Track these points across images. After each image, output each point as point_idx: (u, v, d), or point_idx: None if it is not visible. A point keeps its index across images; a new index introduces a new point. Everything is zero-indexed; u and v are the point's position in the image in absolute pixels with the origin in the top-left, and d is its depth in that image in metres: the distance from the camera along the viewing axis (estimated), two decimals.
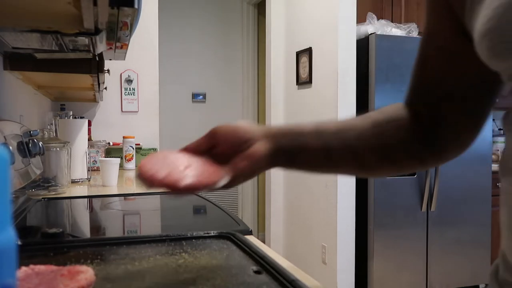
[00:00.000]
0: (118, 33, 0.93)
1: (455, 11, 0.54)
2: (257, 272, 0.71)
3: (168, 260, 0.76)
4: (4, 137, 1.04)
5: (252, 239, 0.94)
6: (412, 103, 0.66)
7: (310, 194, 3.13)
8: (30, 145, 1.18)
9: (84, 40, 0.95)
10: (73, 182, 1.97)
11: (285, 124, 0.71)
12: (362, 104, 2.87)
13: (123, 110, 3.05)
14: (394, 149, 0.64)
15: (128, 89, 3.05)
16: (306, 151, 0.64)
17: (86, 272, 0.64)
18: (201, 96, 4.45)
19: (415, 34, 3.02)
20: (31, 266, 0.67)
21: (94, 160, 2.46)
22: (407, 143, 0.64)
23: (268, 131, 0.65)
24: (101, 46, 1.01)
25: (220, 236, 0.91)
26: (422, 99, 0.64)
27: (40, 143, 1.23)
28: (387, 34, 2.89)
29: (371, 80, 2.81)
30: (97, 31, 0.87)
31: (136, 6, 0.73)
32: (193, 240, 0.89)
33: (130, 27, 0.87)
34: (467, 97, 0.60)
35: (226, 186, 0.61)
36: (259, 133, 0.64)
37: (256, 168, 0.63)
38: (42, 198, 1.50)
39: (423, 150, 0.65)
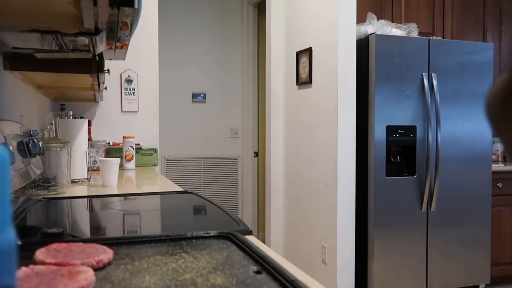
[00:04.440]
0: (118, 33, 0.93)
1: None
2: (257, 272, 0.71)
3: (168, 260, 0.76)
4: (4, 137, 1.04)
5: (252, 239, 0.94)
6: None
7: (310, 194, 3.13)
8: (30, 145, 1.18)
9: (84, 40, 0.95)
10: (73, 182, 1.97)
11: None
12: (362, 104, 2.87)
13: (123, 110, 3.05)
14: None
15: (128, 89, 3.05)
16: None
17: (86, 272, 0.64)
18: (201, 96, 4.45)
19: (415, 34, 3.02)
20: (31, 266, 0.67)
21: (94, 160, 2.46)
22: None
23: None
24: (101, 46, 1.01)
25: (220, 236, 0.91)
26: None
27: (40, 143, 1.23)
28: (387, 34, 2.89)
29: (371, 80, 2.81)
30: (97, 31, 0.87)
31: (136, 6, 0.73)
32: (193, 240, 0.89)
33: (130, 27, 0.87)
34: None
35: None
36: None
37: None
38: (42, 198, 1.50)
39: None
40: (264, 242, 4.16)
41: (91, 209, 1.45)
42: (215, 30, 4.47)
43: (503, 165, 3.57)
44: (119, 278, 0.68)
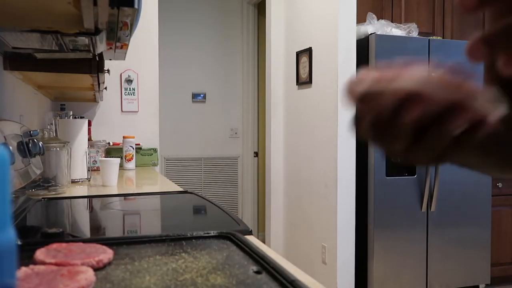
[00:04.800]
0: (118, 33, 0.93)
1: None
2: (257, 272, 0.71)
3: (168, 260, 0.76)
4: (4, 137, 1.04)
5: (252, 239, 0.94)
6: None
7: (310, 194, 3.13)
8: (30, 145, 1.18)
9: (84, 40, 0.95)
10: (73, 182, 1.97)
11: None
12: None
13: (123, 110, 3.05)
14: None
15: (128, 89, 3.05)
16: None
17: (86, 272, 0.64)
18: (201, 96, 4.45)
19: (415, 34, 3.01)
20: (31, 266, 0.67)
21: (94, 160, 2.46)
22: None
23: None
24: (101, 46, 1.01)
25: (220, 236, 0.91)
26: None
27: (40, 143, 1.23)
28: (387, 34, 2.89)
29: None
30: (97, 31, 0.87)
31: (136, 6, 0.73)
32: (193, 240, 0.89)
33: (130, 27, 0.87)
34: None
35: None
36: None
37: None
38: (42, 198, 1.50)
39: None
40: (264, 242, 4.16)
41: (91, 209, 1.45)
42: (215, 30, 4.47)
43: None
44: (119, 278, 0.68)
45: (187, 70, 4.40)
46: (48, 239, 0.89)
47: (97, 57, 1.37)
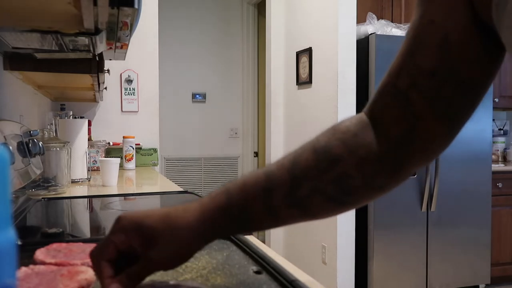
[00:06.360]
0: (118, 33, 0.93)
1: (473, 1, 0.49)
2: (257, 272, 0.71)
3: None
4: (4, 137, 1.04)
5: (252, 239, 0.94)
6: (381, 107, 0.57)
7: None
8: (30, 145, 1.18)
9: (84, 40, 0.95)
10: (73, 182, 1.97)
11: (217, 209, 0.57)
12: (362, 104, 2.87)
13: (123, 110, 3.05)
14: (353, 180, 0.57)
15: (128, 89, 3.05)
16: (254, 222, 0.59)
17: (86, 272, 0.64)
18: (201, 96, 4.45)
19: None
20: (31, 266, 0.67)
21: (94, 160, 2.46)
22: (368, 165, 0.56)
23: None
24: (101, 46, 1.01)
25: None
26: (398, 99, 0.55)
27: (40, 143, 1.23)
28: (387, 34, 2.89)
29: (371, 80, 2.81)
30: (97, 31, 0.87)
31: (136, 6, 0.73)
32: None
33: (130, 27, 0.88)
34: (454, 98, 0.54)
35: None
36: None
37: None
38: (42, 198, 1.50)
39: (386, 168, 0.57)
40: (264, 242, 4.16)
41: (91, 209, 1.45)
42: (215, 30, 4.47)
43: (503, 165, 3.57)
44: None
45: (187, 70, 4.40)
46: (48, 239, 0.89)
47: (97, 57, 1.37)
